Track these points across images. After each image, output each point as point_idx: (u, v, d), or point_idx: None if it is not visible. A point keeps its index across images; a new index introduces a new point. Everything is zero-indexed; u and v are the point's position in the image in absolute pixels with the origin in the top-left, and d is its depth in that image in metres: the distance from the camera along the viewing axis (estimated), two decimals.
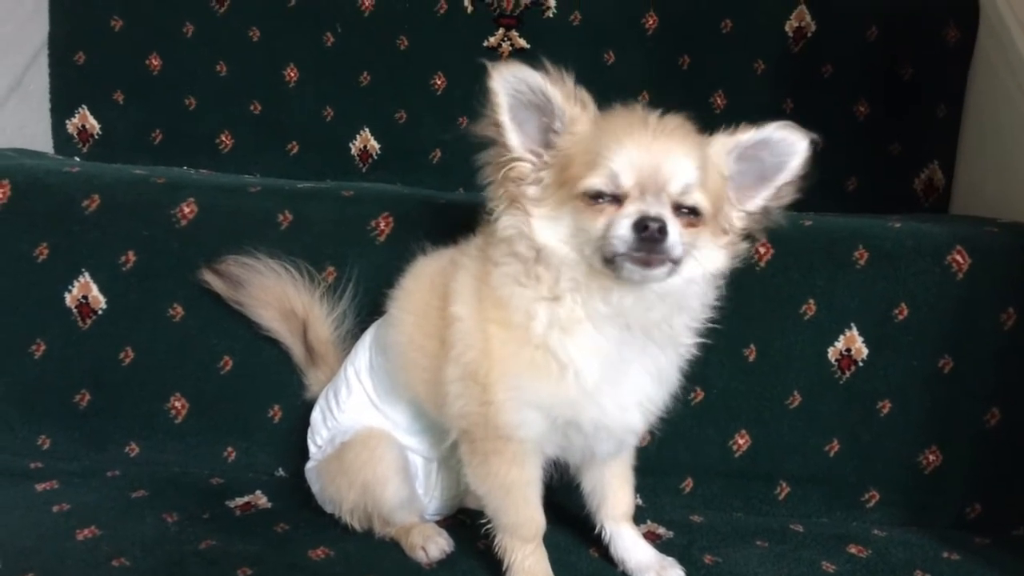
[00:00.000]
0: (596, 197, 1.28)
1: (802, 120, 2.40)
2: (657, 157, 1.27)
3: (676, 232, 1.25)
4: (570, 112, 1.33)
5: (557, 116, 1.33)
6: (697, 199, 1.30)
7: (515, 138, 1.35)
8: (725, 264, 1.40)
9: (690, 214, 1.30)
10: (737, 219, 1.40)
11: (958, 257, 1.77)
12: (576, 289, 1.34)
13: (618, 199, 1.28)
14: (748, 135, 1.38)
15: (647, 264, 1.26)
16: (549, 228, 1.34)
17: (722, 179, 1.37)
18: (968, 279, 1.77)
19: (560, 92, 1.33)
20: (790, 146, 1.37)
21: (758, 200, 1.41)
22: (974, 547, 1.75)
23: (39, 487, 1.77)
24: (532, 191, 1.36)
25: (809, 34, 2.48)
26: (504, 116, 1.34)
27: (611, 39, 2.54)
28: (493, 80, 1.32)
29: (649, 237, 1.23)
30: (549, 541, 1.53)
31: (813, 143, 1.38)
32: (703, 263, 1.35)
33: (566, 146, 1.34)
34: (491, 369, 1.37)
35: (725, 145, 1.37)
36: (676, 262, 1.28)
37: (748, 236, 1.43)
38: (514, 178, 1.36)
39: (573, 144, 1.33)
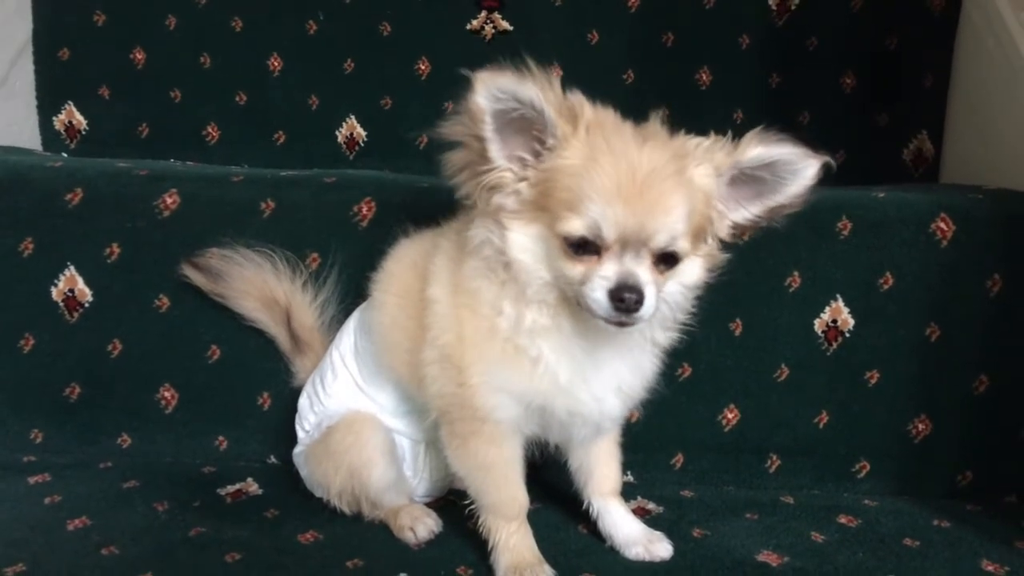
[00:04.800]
0: (575, 244, 1.23)
1: (789, 94, 2.38)
2: (641, 215, 1.20)
3: (653, 295, 1.22)
4: (562, 129, 1.23)
5: (548, 131, 1.24)
6: (681, 248, 1.25)
7: (497, 150, 1.26)
8: (702, 276, 1.35)
9: (672, 260, 1.26)
10: (724, 227, 1.34)
11: (942, 225, 1.77)
12: (543, 304, 1.32)
13: (597, 249, 1.23)
14: (751, 156, 1.27)
15: (621, 324, 1.25)
16: (524, 246, 1.29)
17: (708, 203, 1.29)
18: (953, 246, 1.77)
19: (553, 105, 1.22)
20: (794, 171, 1.28)
21: (746, 213, 1.34)
22: (965, 515, 1.75)
23: (31, 480, 1.78)
24: (510, 203, 1.29)
25: (793, 7, 2.46)
26: (488, 131, 1.24)
27: (594, 18, 2.52)
28: (477, 94, 1.20)
29: (624, 308, 1.21)
30: (538, 518, 1.54)
31: (826, 167, 1.27)
32: (683, 281, 1.32)
33: (552, 167, 1.25)
34: (464, 353, 1.37)
35: (719, 166, 1.28)
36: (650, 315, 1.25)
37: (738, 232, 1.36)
38: (491, 186, 1.28)
39: (559, 169, 1.24)
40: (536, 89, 1.21)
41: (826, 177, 1.85)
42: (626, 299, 1.20)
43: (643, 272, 1.22)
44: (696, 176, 1.27)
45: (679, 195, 1.22)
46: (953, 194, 1.89)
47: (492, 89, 1.21)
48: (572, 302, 1.29)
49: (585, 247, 1.23)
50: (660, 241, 1.22)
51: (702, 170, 1.27)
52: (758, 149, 1.27)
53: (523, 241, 1.29)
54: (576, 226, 1.21)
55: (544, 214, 1.26)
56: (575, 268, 1.25)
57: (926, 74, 2.42)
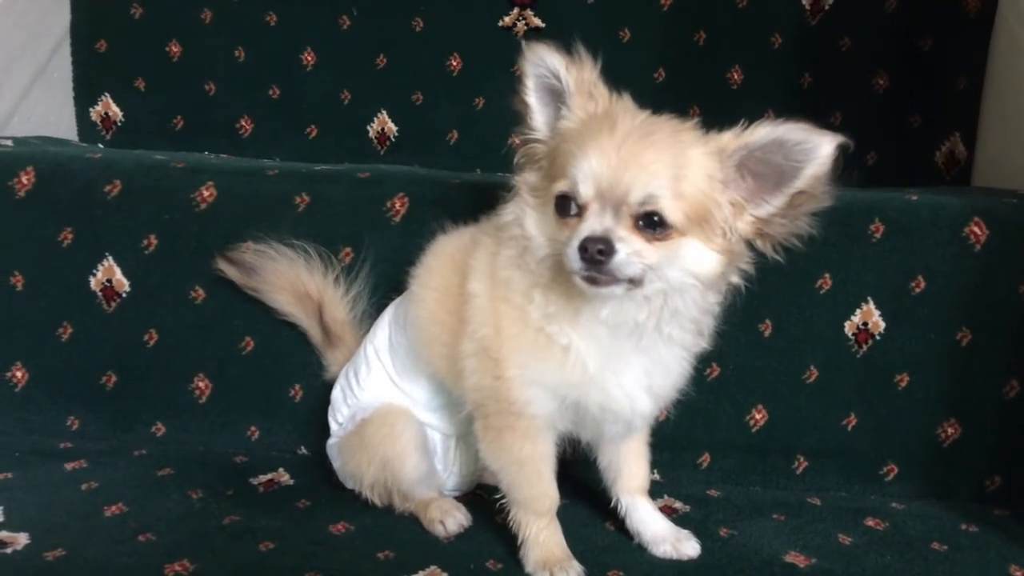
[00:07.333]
0: (564, 207, 1.27)
1: (821, 94, 2.37)
2: (617, 169, 1.22)
3: (626, 251, 1.21)
4: (577, 100, 1.32)
5: (567, 102, 1.33)
6: (663, 210, 1.21)
7: (540, 119, 1.37)
8: (717, 269, 1.29)
9: (656, 226, 1.23)
10: (744, 223, 1.29)
11: (975, 229, 1.76)
12: (554, 283, 1.35)
13: (581, 210, 1.25)
14: (758, 135, 1.25)
15: (595, 283, 1.24)
16: (538, 222, 1.35)
17: (710, 184, 1.26)
18: (986, 251, 1.76)
19: (574, 78, 1.31)
20: (806, 151, 1.23)
21: (769, 207, 1.28)
22: (993, 519, 1.74)
23: (68, 466, 1.81)
24: (532, 179, 1.37)
25: (826, 7, 2.46)
26: (531, 97, 1.36)
27: (626, 16, 2.53)
28: (524, 59, 1.34)
29: (589, 259, 1.21)
30: (566, 515, 1.55)
31: (841, 148, 1.22)
32: (689, 268, 1.28)
33: (561, 137, 1.33)
34: (501, 346, 1.39)
35: (724, 147, 1.26)
36: (634, 280, 1.24)
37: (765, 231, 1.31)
38: (529, 156, 1.38)
39: (565, 139, 1.31)
40: (563, 61, 1.31)
41: (858, 178, 1.84)
42: (588, 249, 1.21)
43: (619, 230, 1.23)
44: (693, 151, 1.25)
45: (659, 152, 1.23)
46: (987, 198, 1.89)
47: (532, 56, 1.34)
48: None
49: (570, 208, 1.27)
50: (636, 196, 1.21)
51: (702, 148, 1.26)
52: (766, 128, 1.25)
53: (537, 217, 1.35)
54: (559, 187, 1.28)
55: (552, 188, 1.31)
56: (563, 232, 1.28)
57: (959, 75, 2.41)
